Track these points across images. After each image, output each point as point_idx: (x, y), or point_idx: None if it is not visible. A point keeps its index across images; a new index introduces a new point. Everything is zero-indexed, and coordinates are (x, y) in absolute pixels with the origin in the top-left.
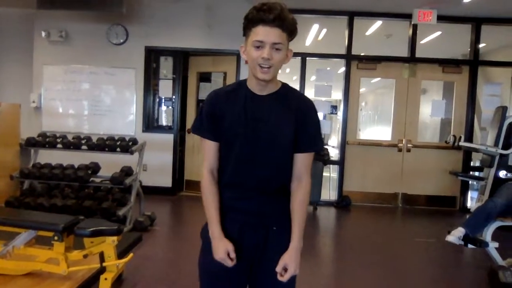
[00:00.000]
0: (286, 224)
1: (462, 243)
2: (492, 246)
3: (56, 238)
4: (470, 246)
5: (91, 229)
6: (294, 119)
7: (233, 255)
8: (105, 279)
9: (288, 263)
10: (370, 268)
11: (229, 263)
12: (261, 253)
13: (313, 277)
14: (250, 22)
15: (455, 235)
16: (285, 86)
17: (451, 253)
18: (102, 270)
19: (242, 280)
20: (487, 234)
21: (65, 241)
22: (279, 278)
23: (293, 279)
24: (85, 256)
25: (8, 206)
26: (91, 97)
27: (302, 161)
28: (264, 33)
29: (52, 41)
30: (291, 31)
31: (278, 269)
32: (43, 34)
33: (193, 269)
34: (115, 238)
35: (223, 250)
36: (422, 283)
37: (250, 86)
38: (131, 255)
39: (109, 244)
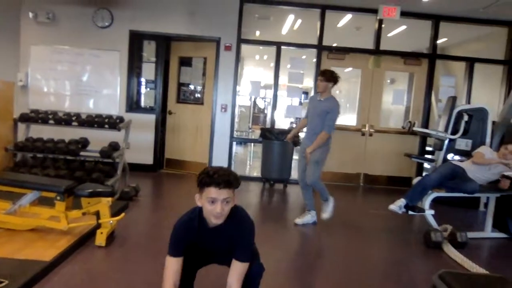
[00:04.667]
0: None
1: (404, 210)
2: (429, 213)
3: (58, 198)
4: (410, 212)
5: (90, 190)
6: (232, 242)
7: None
8: (101, 233)
9: None
10: (333, 234)
11: None
12: None
13: (280, 242)
14: (204, 184)
15: (396, 205)
16: (230, 216)
17: (400, 222)
18: (98, 226)
19: None
20: (426, 203)
21: (65, 201)
22: None
23: None
24: (84, 214)
25: None
26: (76, 78)
27: (236, 268)
28: (216, 193)
29: (40, 22)
30: (236, 187)
31: None
32: (31, 15)
33: (171, 230)
34: (109, 199)
35: None
36: (374, 245)
37: (206, 217)
38: (123, 214)
39: (104, 204)
